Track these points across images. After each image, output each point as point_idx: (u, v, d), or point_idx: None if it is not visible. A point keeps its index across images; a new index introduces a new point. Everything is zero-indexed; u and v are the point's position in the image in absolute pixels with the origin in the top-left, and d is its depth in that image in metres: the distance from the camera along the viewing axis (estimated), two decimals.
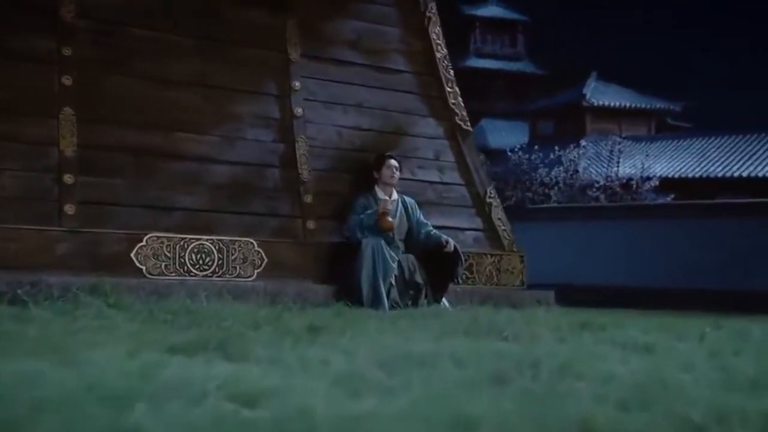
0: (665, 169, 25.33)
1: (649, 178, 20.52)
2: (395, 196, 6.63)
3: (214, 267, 5.89)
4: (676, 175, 25.13)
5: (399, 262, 6.29)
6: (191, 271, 5.79)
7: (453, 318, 4.72)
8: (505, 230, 7.41)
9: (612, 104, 31.04)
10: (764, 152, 25.72)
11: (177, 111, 6.29)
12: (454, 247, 6.35)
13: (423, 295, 6.34)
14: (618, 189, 20.00)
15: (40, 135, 5.70)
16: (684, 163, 26.33)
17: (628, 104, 31.49)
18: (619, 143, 23.01)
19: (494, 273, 7.15)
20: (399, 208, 6.57)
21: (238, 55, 6.66)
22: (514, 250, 7.37)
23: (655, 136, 30.31)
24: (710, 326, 4.69)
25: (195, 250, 5.83)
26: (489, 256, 7.18)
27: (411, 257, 6.42)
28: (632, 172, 21.32)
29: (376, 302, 5.99)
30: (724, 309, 8.64)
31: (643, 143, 26.29)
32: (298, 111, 6.77)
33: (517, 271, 7.28)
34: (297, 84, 6.84)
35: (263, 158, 6.55)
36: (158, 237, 5.73)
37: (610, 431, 1.81)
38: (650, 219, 13.77)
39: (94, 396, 1.93)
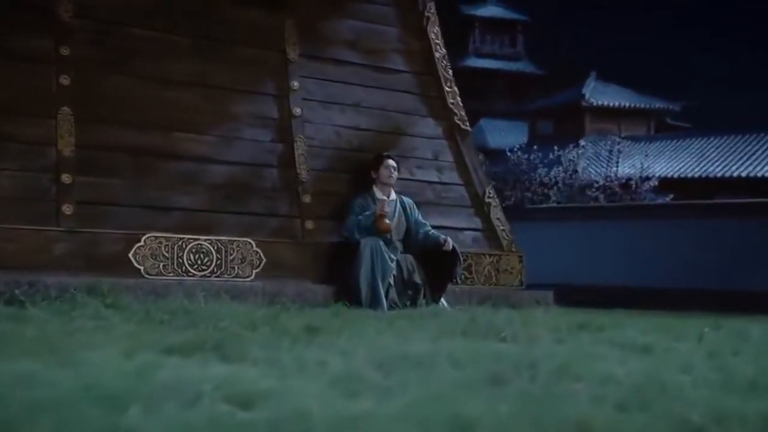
0: (664, 169, 25.34)
1: (648, 178, 20.52)
2: (393, 196, 6.62)
3: (212, 267, 5.88)
4: (676, 175, 25.14)
5: (397, 262, 6.29)
6: (189, 272, 5.78)
7: (451, 318, 4.71)
8: (504, 230, 7.40)
9: (611, 104, 31.05)
10: (763, 152, 25.74)
11: (175, 111, 6.28)
12: (453, 246, 6.34)
13: (421, 295, 6.33)
14: (617, 189, 20.00)
15: (38, 135, 5.69)
16: (683, 163, 26.35)
17: (627, 104, 31.50)
18: (619, 143, 23.02)
19: (493, 273, 7.15)
20: (397, 208, 6.57)
21: (236, 55, 6.65)
22: (513, 250, 7.36)
23: (654, 136, 30.33)
24: (709, 326, 4.68)
25: (193, 250, 5.82)
26: (488, 256, 7.17)
27: (409, 257, 6.42)
28: (631, 172, 21.32)
29: (374, 302, 5.98)
30: (723, 309, 8.63)
31: (643, 143, 26.32)
32: (297, 111, 6.76)
33: (515, 271, 7.27)
34: (295, 84, 6.83)
35: (262, 158, 6.54)
36: (156, 237, 5.72)
37: None
38: (649, 219, 13.76)
39: (89, 397, 1.92)
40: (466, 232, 7.27)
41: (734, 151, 26.25)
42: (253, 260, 6.05)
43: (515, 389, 2.27)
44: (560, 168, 20.37)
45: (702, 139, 27.71)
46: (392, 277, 6.21)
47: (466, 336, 3.73)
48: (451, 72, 7.61)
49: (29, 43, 5.85)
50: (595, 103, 30.69)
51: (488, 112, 36.75)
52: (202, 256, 5.85)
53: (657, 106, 32.44)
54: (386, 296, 6.10)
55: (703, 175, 25.35)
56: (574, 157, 21.25)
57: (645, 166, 21.66)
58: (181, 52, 6.42)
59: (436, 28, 7.60)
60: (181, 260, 5.76)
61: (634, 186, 20.25)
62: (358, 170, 6.73)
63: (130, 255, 5.61)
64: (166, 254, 5.73)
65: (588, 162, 23.41)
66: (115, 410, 1.80)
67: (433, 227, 6.66)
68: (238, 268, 5.99)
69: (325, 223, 6.57)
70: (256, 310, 4.53)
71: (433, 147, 7.39)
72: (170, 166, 6.14)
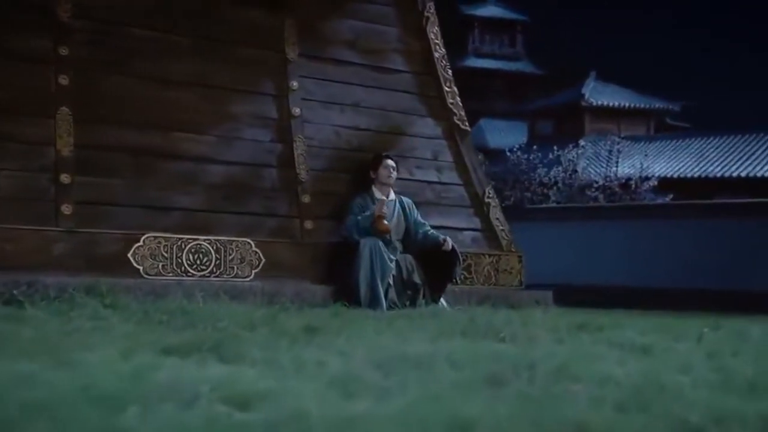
0: (664, 169, 25.35)
1: (647, 178, 20.52)
2: (392, 196, 6.61)
3: (211, 267, 5.88)
4: (675, 175, 25.14)
5: (397, 262, 6.28)
6: (188, 272, 5.78)
7: (450, 318, 4.70)
8: (503, 230, 7.40)
9: (611, 104, 31.06)
10: (763, 152, 25.74)
11: (175, 111, 6.27)
12: (452, 246, 6.34)
13: (421, 296, 6.32)
14: (617, 189, 20.00)
15: (37, 135, 5.69)
16: (683, 163, 26.35)
17: (627, 104, 31.52)
18: (618, 143, 23.01)
19: (492, 273, 7.14)
20: (396, 208, 6.56)
21: (236, 55, 6.64)
22: (513, 250, 7.35)
23: (654, 136, 30.35)
24: (709, 327, 4.67)
25: (192, 250, 5.82)
26: (487, 256, 7.17)
27: (409, 257, 6.41)
28: (631, 172, 21.33)
29: (373, 302, 5.98)
30: (723, 309, 8.63)
31: (642, 143, 26.32)
32: (296, 111, 6.75)
33: (515, 271, 7.27)
34: (295, 84, 6.82)
35: (261, 158, 6.54)
36: (155, 237, 5.71)
37: None
38: (649, 219, 13.76)
39: (87, 397, 1.92)
40: (466, 232, 7.27)
41: (734, 151, 26.25)
42: (252, 260, 6.05)
43: (514, 390, 2.26)
44: (560, 168, 20.37)
45: (701, 139, 27.72)
46: (391, 277, 6.21)
47: (466, 336, 3.72)
48: (450, 72, 7.61)
49: (28, 43, 5.84)
50: (594, 103, 30.70)
51: (488, 112, 36.76)
52: (201, 256, 5.85)
53: (657, 106, 32.45)
54: (385, 296, 6.09)
55: (703, 175, 25.35)
56: (573, 157, 21.25)
57: (645, 166, 21.67)
58: (181, 52, 6.41)
59: (436, 28, 7.59)
60: (180, 260, 5.76)
61: (633, 186, 20.25)
62: (358, 170, 6.72)
63: (129, 255, 5.60)
64: (165, 254, 5.72)
65: (587, 162, 23.41)
66: (112, 411, 1.80)
67: (433, 227, 6.65)
68: (237, 268, 5.98)
69: (324, 223, 6.57)
70: (255, 311, 4.52)
71: (432, 147, 7.39)
72: (169, 166, 6.14)
